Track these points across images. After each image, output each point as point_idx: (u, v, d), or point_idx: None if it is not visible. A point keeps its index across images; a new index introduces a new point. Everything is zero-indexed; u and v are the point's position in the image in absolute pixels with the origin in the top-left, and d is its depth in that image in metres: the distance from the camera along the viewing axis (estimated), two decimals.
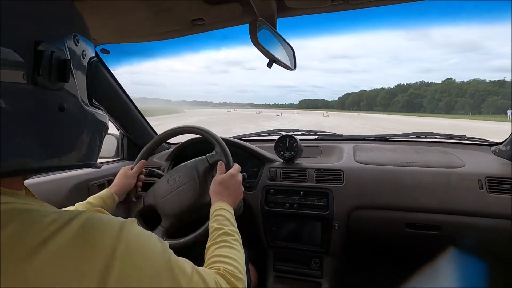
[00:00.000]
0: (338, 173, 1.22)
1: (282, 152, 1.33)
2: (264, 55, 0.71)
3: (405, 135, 1.49)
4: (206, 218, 0.78)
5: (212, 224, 0.70)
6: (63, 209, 0.40)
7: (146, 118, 1.55)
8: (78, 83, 0.43)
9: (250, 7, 0.73)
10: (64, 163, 0.42)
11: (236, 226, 0.72)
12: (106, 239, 0.36)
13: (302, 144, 1.32)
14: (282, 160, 1.34)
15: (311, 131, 1.65)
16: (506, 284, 1.20)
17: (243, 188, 0.88)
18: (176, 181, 0.96)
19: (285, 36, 0.80)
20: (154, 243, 0.42)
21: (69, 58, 0.40)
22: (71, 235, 0.34)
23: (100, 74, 1.20)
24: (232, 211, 0.77)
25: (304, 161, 1.34)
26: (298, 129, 1.63)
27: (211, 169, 0.98)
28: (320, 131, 1.66)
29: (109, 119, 1.42)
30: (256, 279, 1.20)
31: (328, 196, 1.20)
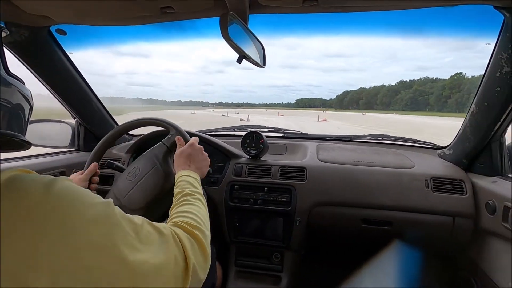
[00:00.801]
0: (302, 170, 1.26)
1: (248, 148, 1.34)
2: (234, 50, 0.70)
3: (364, 137, 1.58)
4: None
5: (174, 191, 0.70)
6: None
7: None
8: None
9: (222, 0, 0.72)
10: None
11: (200, 188, 0.72)
12: (31, 197, 0.34)
13: (268, 141, 1.34)
14: (248, 156, 1.35)
15: (277, 128, 1.68)
16: (439, 274, 1.35)
17: (206, 155, 0.88)
18: (137, 174, 0.92)
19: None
20: (91, 196, 0.40)
21: None
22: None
23: (53, 54, 1.10)
24: (196, 176, 0.76)
25: (269, 158, 1.36)
26: (265, 126, 1.65)
27: (170, 152, 0.95)
28: (286, 129, 1.69)
29: (64, 106, 1.32)
30: (221, 275, 1.20)
31: (291, 193, 1.23)
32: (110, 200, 0.43)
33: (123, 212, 0.43)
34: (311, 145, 1.45)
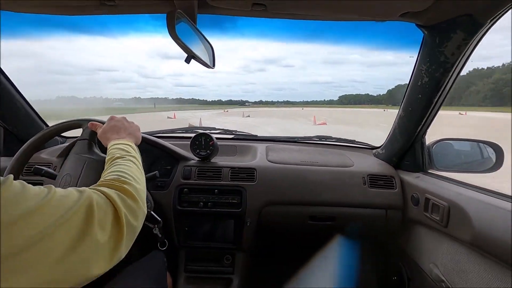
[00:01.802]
0: (252, 171, 1.27)
1: (198, 150, 1.31)
2: (182, 49, 0.68)
3: (309, 138, 1.66)
4: None
5: (107, 159, 0.67)
6: None
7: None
8: None
9: None
10: None
11: (134, 152, 0.70)
12: None
13: (218, 142, 1.33)
14: (198, 158, 1.31)
15: (227, 130, 1.68)
16: (373, 262, 1.49)
17: (132, 121, 0.84)
18: (70, 180, 0.82)
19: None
20: (34, 190, 0.39)
21: None
22: None
23: None
24: (129, 142, 0.74)
25: (219, 160, 1.35)
26: (214, 127, 1.63)
27: (94, 142, 0.90)
28: (236, 131, 1.70)
29: None
30: (171, 283, 1.15)
31: (241, 194, 1.24)
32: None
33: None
34: (261, 147, 1.48)
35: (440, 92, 0.98)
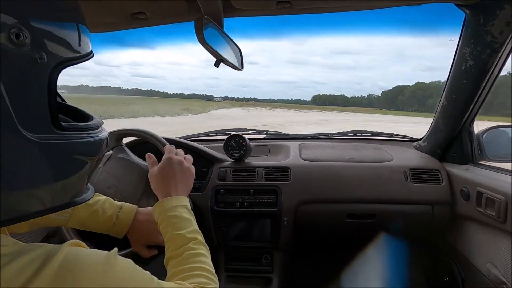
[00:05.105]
0: (286, 170, 1.27)
1: (231, 152, 1.33)
2: (211, 54, 0.70)
3: (344, 133, 1.61)
4: None
5: (166, 229, 0.60)
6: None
7: None
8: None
9: (195, 4, 0.72)
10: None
11: (193, 217, 0.64)
12: (91, 276, 0.33)
13: (250, 143, 1.34)
14: (232, 160, 1.34)
15: (259, 130, 1.69)
16: (421, 261, 1.40)
17: (189, 169, 0.74)
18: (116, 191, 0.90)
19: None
20: (142, 272, 0.40)
21: None
22: (48, 279, 0.30)
23: None
24: (185, 202, 0.66)
25: (253, 160, 1.36)
26: (246, 128, 1.65)
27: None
28: (268, 130, 1.70)
29: None
30: None
31: (276, 193, 1.24)
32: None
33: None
34: (293, 145, 1.47)
35: (488, 76, 0.89)
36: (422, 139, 1.37)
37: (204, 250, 0.58)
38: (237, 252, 1.33)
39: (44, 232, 1.00)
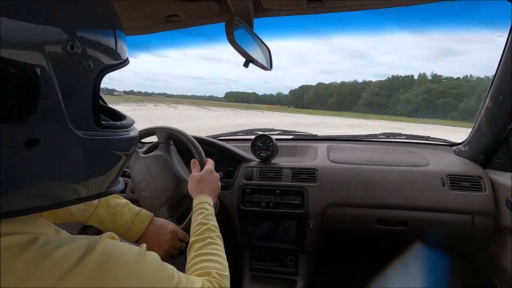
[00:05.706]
0: (313, 172, 1.24)
1: (258, 152, 1.33)
2: (241, 54, 0.71)
3: (375, 136, 1.55)
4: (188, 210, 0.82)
5: (196, 217, 0.71)
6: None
7: None
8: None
9: (226, 5, 0.73)
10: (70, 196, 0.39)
11: (216, 221, 0.74)
12: (125, 269, 0.37)
13: (278, 143, 1.34)
14: (258, 160, 1.34)
15: (286, 131, 1.68)
16: (461, 274, 1.30)
17: (220, 184, 0.90)
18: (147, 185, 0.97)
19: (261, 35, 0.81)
20: (166, 269, 0.44)
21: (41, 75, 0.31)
22: (89, 270, 0.34)
23: None
24: (212, 203, 0.79)
25: (280, 161, 1.35)
26: (274, 128, 1.65)
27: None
28: (295, 131, 1.68)
29: None
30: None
31: (303, 195, 1.22)
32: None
33: (183, 278, 0.46)
34: (321, 146, 1.44)
35: None
36: (463, 144, 1.28)
37: (221, 244, 0.67)
38: (262, 252, 1.33)
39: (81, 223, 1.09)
